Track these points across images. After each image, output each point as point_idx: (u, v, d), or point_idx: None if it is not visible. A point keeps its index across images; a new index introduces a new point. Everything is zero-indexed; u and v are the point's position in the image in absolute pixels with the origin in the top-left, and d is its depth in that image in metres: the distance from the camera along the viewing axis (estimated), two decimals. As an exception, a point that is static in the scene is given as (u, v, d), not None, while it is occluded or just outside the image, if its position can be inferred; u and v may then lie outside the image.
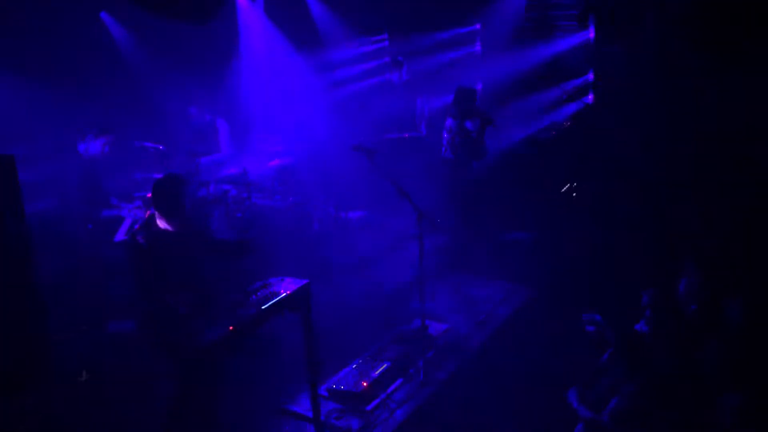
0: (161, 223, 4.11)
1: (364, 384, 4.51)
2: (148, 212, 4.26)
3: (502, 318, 5.75)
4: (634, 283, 5.04)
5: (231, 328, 3.68)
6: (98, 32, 7.34)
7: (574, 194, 8.04)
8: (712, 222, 6.35)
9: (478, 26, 9.28)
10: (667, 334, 4.48)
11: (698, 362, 4.25)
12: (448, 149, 6.88)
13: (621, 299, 5.00)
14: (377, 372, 4.66)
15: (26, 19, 6.45)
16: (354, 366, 4.79)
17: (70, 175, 5.58)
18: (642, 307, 4.72)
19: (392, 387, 4.68)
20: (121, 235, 5.63)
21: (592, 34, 8.23)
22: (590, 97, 8.31)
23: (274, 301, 3.97)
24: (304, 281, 4.22)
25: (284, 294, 4.06)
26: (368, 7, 8.92)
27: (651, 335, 4.51)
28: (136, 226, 5.47)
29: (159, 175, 6.50)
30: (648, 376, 4.09)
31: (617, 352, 4.18)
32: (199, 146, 6.91)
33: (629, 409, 4.01)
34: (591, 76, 8.36)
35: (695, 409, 4.06)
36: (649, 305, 4.65)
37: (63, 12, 6.72)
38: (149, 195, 5.89)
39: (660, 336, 4.47)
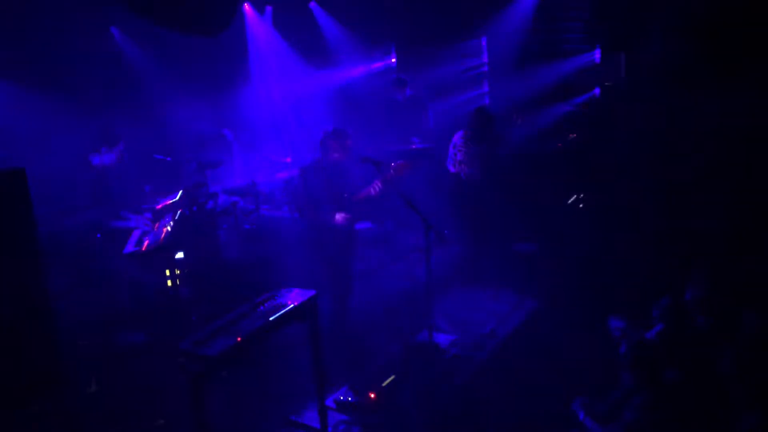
0: None
1: (372, 395, 4.51)
2: None
3: (509, 329, 5.73)
4: (643, 294, 5.03)
5: (239, 339, 3.69)
6: (108, 46, 7.44)
7: (581, 205, 8.03)
8: (724, 231, 6.32)
9: (484, 39, 9.36)
10: (678, 345, 4.45)
11: (714, 375, 4.20)
12: (450, 163, 6.91)
13: (631, 311, 4.99)
14: (384, 383, 4.66)
15: (38, 34, 6.55)
16: (361, 377, 4.80)
17: (81, 186, 5.63)
18: (653, 319, 4.70)
19: (400, 398, 4.67)
20: (130, 247, 5.65)
21: (597, 54, 8.34)
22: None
23: (281, 312, 3.98)
24: (312, 292, 4.22)
25: (291, 305, 4.06)
26: (375, 18, 9.00)
27: (662, 346, 4.49)
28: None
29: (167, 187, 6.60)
30: (658, 388, 4.06)
31: (628, 363, 4.14)
32: (207, 158, 6.97)
33: (640, 422, 3.97)
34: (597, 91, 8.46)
35: (710, 423, 4.02)
36: (660, 317, 4.63)
37: (74, 28, 6.83)
38: (158, 207, 5.96)
39: (671, 347, 4.45)
